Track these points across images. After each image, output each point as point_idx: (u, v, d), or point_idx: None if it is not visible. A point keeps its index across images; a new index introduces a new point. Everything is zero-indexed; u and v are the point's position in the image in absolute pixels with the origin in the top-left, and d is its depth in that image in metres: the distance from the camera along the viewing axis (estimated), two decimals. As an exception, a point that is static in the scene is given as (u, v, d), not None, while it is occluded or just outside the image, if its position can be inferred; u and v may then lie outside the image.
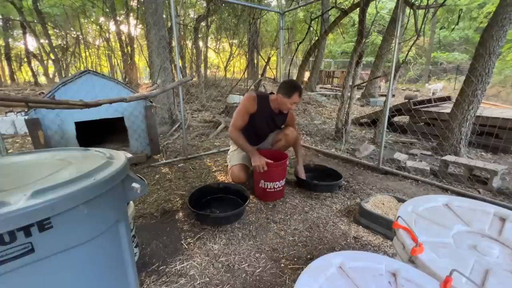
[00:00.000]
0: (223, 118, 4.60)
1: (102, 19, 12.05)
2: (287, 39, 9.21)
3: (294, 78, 7.93)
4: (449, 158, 2.40)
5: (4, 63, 14.92)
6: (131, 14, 10.08)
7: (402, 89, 12.73)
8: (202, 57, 10.66)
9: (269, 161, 1.83)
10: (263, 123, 2.05)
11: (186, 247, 1.43)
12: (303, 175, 2.15)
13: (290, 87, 1.87)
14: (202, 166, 2.65)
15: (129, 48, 10.54)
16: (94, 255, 0.66)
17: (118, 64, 13.23)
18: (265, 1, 11.29)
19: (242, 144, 1.95)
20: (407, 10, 2.96)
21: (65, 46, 11.76)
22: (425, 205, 0.99)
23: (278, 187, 1.90)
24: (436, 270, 0.66)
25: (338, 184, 2.13)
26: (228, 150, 2.32)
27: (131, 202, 1.28)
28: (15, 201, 0.50)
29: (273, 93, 2.07)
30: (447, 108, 3.92)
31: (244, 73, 9.34)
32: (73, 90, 2.17)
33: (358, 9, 3.70)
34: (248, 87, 7.24)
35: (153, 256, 1.36)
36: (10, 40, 13.07)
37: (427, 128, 3.61)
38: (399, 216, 0.83)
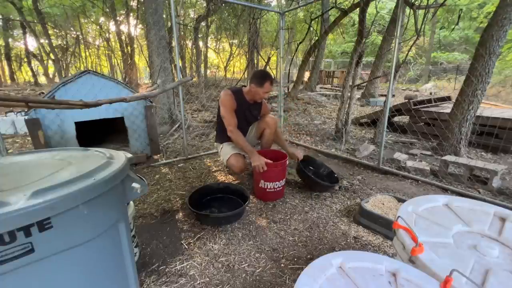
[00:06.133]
0: (223, 118, 4.59)
1: (102, 19, 12.06)
2: (287, 39, 9.21)
3: (294, 78, 7.93)
4: (449, 158, 2.40)
5: (4, 63, 14.94)
6: (131, 14, 10.09)
7: (402, 89, 12.72)
8: (202, 57, 10.66)
9: (269, 161, 1.83)
10: (242, 116, 2.13)
11: (186, 247, 1.43)
12: (300, 155, 2.15)
13: (261, 77, 1.99)
14: (202, 166, 2.65)
15: (129, 48, 10.55)
16: (94, 255, 0.66)
17: (118, 64, 13.25)
18: (265, 1, 11.27)
19: (242, 144, 1.96)
20: (407, 10, 2.96)
21: (65, 46, 11.78)
22: (425, 205, 0.99)
23: (278, 187, 1.90)
24: (436, 270, 0.66)
25: (338, 185, 2.14)
26: None
27: (131, 202, 1.27)
28: (15, 201, 0.50)
29: (245, 86, 2.18)
30: (447, 108, 3.92)
31: (244, 73, 9.34)
32: (73, 90, 2.17)
33: (358, 9, 3.69)
34: (248, 87, 7.22)
35: (153, 256, 1.36)
36: (10, 40, 13.08)
37: (427, 128, 3.61)
38: (399, 216, 0.83)
